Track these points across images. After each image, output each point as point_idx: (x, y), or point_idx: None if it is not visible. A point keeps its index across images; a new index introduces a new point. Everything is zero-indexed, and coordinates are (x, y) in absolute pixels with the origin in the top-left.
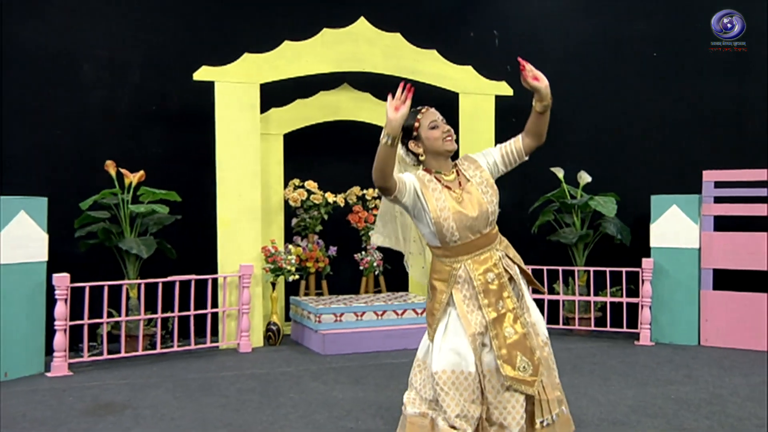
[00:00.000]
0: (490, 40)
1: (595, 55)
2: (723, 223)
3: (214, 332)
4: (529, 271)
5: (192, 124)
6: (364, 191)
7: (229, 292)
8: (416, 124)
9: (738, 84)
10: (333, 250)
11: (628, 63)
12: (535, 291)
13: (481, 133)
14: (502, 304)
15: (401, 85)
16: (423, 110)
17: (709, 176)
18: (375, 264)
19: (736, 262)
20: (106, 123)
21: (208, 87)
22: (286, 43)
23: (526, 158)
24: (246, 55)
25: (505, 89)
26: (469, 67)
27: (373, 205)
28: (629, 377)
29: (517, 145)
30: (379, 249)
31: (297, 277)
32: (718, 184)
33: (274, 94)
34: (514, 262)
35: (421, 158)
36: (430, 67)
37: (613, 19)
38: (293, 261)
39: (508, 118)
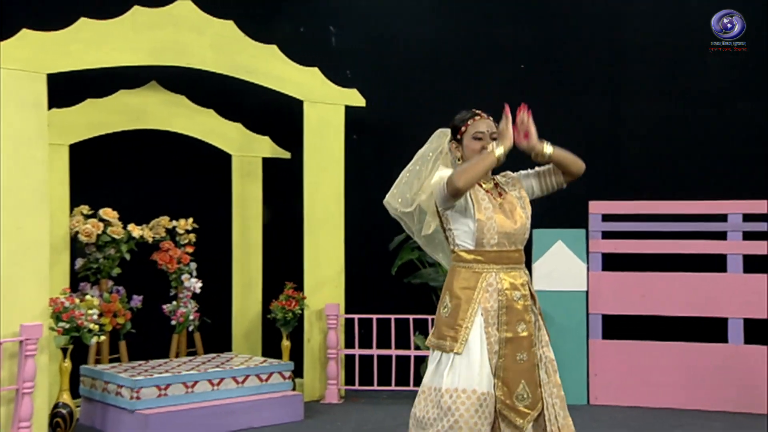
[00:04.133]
0: (327, 39)
1: (452, 62)
2: (612, 262)
3: None
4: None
5: None
6: (175, 223)
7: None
8: (463, 128)
9: (612, 103)
10: (137, 301)
11: (494, 73)
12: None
13: (330, 150)
14: (523, 327)
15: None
16: (477, 117)
17: (596, 208)
18: (191, 317)
19: (627, 307)
20: None
21: None
22: (84, 21)
23: (565, 186)
24: (25, 32)
25: (356, 99)
26: (316, 70)
27: (186, 241)
28: None
29: (557, 175)
30: (195, 298)
31: (103, 338)
32: (606, 217)
33: (55, 90)
34: (533, 295)
35: (458, 162)
36: (270, 66)
37: (474, 22)
38: (95, 317)
39: (354, 134)
